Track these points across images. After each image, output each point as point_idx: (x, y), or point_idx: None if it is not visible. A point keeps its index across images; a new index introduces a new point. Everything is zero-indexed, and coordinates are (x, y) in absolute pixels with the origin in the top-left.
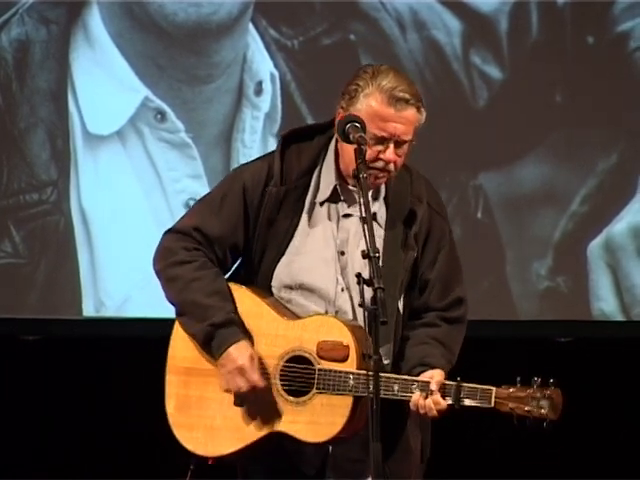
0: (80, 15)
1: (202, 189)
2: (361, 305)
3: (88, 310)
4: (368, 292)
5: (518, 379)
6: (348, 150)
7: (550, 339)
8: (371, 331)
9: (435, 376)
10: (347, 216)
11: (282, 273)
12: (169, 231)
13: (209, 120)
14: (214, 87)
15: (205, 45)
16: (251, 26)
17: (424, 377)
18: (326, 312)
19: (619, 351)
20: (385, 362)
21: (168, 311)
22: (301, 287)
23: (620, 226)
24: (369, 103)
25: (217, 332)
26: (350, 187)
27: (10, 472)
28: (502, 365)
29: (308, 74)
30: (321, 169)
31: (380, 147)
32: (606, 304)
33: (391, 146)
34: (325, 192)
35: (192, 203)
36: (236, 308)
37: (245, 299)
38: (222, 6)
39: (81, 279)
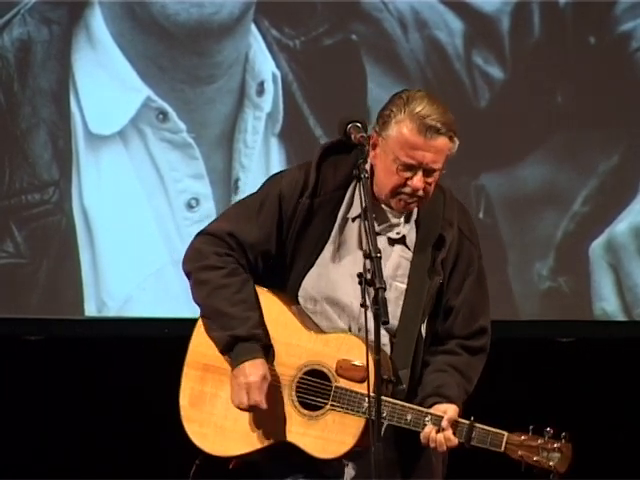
0: (82, 15)
1: (204, 189)
2: (362, 305)
3: (90, 310)
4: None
5: (531, 427)
6: (383, 171)
7: (552, 339)
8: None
9: (449, 412)
10: (379, 234)
11: (309, 285)
12: (202, 233)
13: (211, 120)
14: (216, 87)
15: (207, 45)
16: (253, 26)
17: (438, 410)
18: (349, 328)
19: (621, 351)
20: (402, 387)
21: (169, 311)
22: (327, 300)
23: (622, 226)
24: (400, 130)
25: (237, 344)
26: (383, 206)
27: (11, 472)
28: (504, 365)
29: (310, 74)
30: (356, 184)
31: (408, 174)
32: (608, 304)
33: (419, 174)
34: (358, 208)
35: (194, 203)
36: (261, 315)
37: (271, 305)
38: (224, 6)
39: (83, 279)
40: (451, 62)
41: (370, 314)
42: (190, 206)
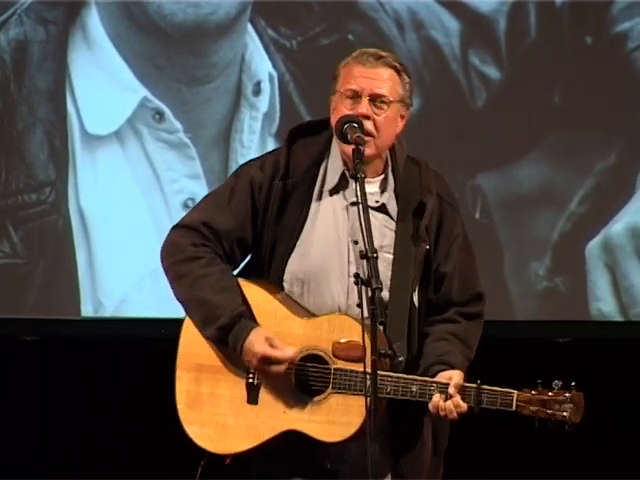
0: (78, 15)
1: (200, 189)
2: (359, 306)
3: (86, 310)
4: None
5: (539, 382)
6: (336, 118)
7: (548, 339)
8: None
9: (454, 378)
10: (354, 204)
11: (294, 267)
12: (176, 226)
13: (207, 120)
14: (212, 87)
15: (203, 45)
16: (249, 26)
17: (443, 378)
18: (339, 308)
19: (618, 351)
20: (400, 359)
21: (166, 311)
22: (314, 278)
23: (618, 226)
24: (345, 69)
25: (228, 334)
26: None
27: (8, 472)
28: (500, 365)
29: (306, 74)
30: (328, 161)
31: (353, 101)
32: (604, 304)
33: (364, 100)
34: (333, 181)
35: (190, 203)
36: (247, 304)
37: (255, 295)
38: (220, 6)
39: (79, 279)
40: (448, 62)
41: (366, 312)
42: (187, 206)
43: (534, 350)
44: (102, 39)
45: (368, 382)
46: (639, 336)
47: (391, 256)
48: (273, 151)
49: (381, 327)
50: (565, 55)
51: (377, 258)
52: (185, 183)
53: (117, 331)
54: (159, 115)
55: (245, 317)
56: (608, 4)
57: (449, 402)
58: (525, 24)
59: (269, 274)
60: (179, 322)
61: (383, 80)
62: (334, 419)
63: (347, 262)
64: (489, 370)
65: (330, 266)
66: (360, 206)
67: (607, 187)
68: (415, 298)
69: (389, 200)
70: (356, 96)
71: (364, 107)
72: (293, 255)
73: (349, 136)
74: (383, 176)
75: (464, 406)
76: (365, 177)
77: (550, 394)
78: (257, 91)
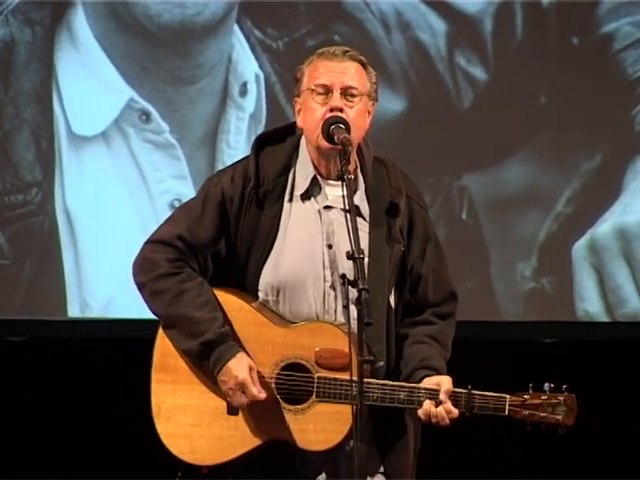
0: (65, 16)
1: (187, 190)
2: (345, 307)
3: (73, 311)
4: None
5: (530, 385)
6: (308, 114)
7: (535, 340)
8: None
9: (444, 384)
10: (328, 208)
11: (269, 275)
12: (149, 241)
13: (194, 121)
14: (199, 88)
15: (190, 46)
16: (236, 27)
17: (430, 384)
18: (317, 310)
19: (604, 352)
20: (380, 364)
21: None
22: (289, 286)
23: (604, 227)
24: (310, 68)
25: (212, 350)
26: (330, 181)
27: None
28: (487, 366)
29: (293, 75)
30: (296, 168)
31: (324, 97)
32: (591, 305)
33: (336, 94)
34: (303, 186)
35: (177, 204)
36: (225, 315)
37: (231, 305)
38: (207, 7)
39: (66, 280)
40: (434, 63)
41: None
42: (173, 207)
43: (520, 351)
44: (88, 40)
45: (354, 390)
46: (625, 337)
47: (367, 259)
48: (240, 161)
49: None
50: (551, 56)
51: (363, 259)
52: (171, 184)
53: (103, 332)
54: (145, 116)
55: (230, 337)
56: (594, 5)
57: (440, 408)
58: (511, 25)
59: (244, 284)
60: None
61: (352, 73)
62: (320, 427)
63: (322, 267)
64: (476, 371)
65: (305, 273)
66: (346, 207)
67: (593, 188)
68: (391, 300)
69: (361, 202)
70: (327, 91)
71: (337, 100)
72: (267, 264)
73: (336, 137)
74: (353, 177)
75: (456, 412)
76: (334, 180)
77: (543, 397)
78: (243, 92)
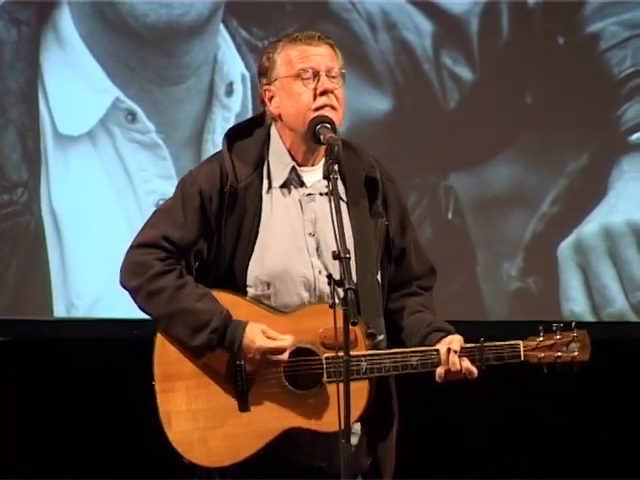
0: (50, 16)
1: (172, 190)
2: (331, 306)
3: (59, 311)
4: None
5: (540, 328)
6: (293, 102)
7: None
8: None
9: (454, 341)
10: (309, 196)
11: (256, 270)
12: (134, 246)
13: (180, 121)
14: (185, 88)
15: (176, 46)
16: (222, 27)
17: (443, 343)
18: (308, 299)
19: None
20: (380, 337)
21: (138, 312)
22: (278, 278)
23: (590, 227)
24: (285, 54)
25: (223, 335)
26: (305, 168)
27: None
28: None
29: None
30: (269, 159)
31: (313, 84)
32: (576, 305)
33: (324, 77)
34: (281, 177)
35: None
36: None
37: (227, 300)
38: (193, 7)
39: (52, 280)
40: (420, 63)
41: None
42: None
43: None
44: (74, 39)
45: (365, 364)
46: (611, 336)
47: (350, 239)
48: (211, 158)
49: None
50: (537, 56)
51: (349, 259)
52: (157, 183)
53: (89, 332)
54: (131, 115)
55: (234, 319)
56: (580, 5)
57: (454, 357)
58: (497, 25)
59: (232, 281)
60: (151, 323)
61: (329, 55)
62: (334, 407)
63: (308, 255)
64: None
65: (292, 263)
66: (331, 206)
67: (579, 188)
68: (378, 277)
69: (338, 183)
70: (314, 75)
71: (327, 83)
72: (253, 258)
73: (322, 137)
74: (337, 177)
75: (474, 370)
76: (313, 165)
77: (556, 337)
78: (229, 92)
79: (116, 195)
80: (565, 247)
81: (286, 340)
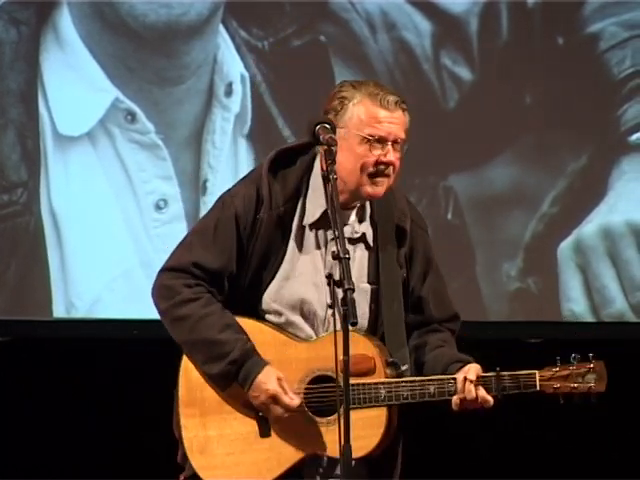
0: (50, 16)
1: (172, 190)
2: (331, 306)
3: (58, 311)
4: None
5: (558, 358)
6: (352, 158)
7: (520, 340)
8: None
9: (471, 369)
10: (334, 239)
11: (271, 298)
12: (165, 269)
13: (179, 121)
14: (184, 88)
15: (175, 46)
16: (221, 27)
17: (461, 372)
18: (317, 335)
19: (589, 352)
20: (404, 367)
21: (138, 312)
22: (291, 311)
23: (590, 227)
24: (360, 109)
25: (240, 368)
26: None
27: None
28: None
29: (278, 75)
30: (307, 192)
31: (379, 150)
32: (576, 305)
33: (390, 147)
34: (313, 215)
35: (162, 204)
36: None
37: (252, 328)
38: (192, 7)
39: (51, 280)
40: (419, 63)
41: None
42: (158, 207)
43: (506, 351)
44: (74, 40)
45: (384, 392)
46: (610, 337)
47: (367, 286)
48: (250, 178)
49: (351, 327)
50: (537, 56)
51: (349, 259)
52: (157, 184)
53: (89, 332)
54: (131, 116)
55: (256, 353)
56: (580, 5)
57: (481, 390)
58: (497, 25)
59: (245, 304)
60: (151, 323)
61: (402, 124)
62: (355, 434)
63: (324, 295)
64: None
65: (307, 299)
66: (329, 207)
67: (579, 188)
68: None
69: (367, 228)
70: (380, 141)
71: (392, 156)
72: (270, 288)
73: (321, 137)
74: (359, 204)
75: (490, 400)
76: (345, 209)
77: (572, 368)
78: (229, 92)
79: (116, 195)
80: (565, 247)
81: (295, 400)
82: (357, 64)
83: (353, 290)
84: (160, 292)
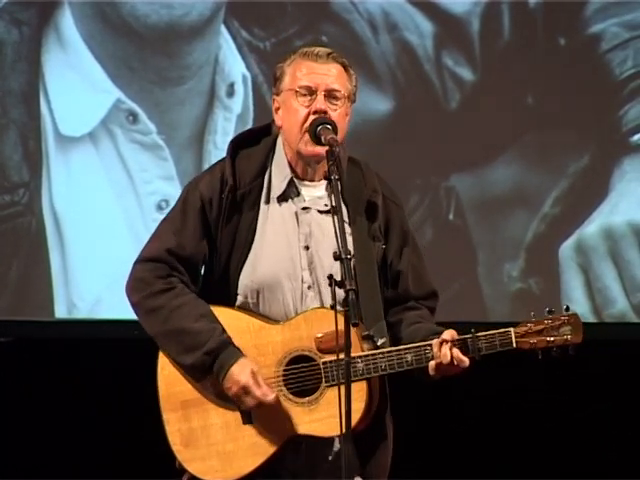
0: (52, 16)
1: (174, 191)
2: (332, 307)
3: (60, 312)
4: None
5: (532, 314)
6: (289, 115)
7: None
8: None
9: (446, 332)
10: (306, 209)
11: (247, 278)
12: (138, 260)
13: (181, 122)
14: (186, 89)
15: (177, 47)
16: (223, 28)
17: (436, 340)
18: (296, 311)
19: (590, 353)
20: (382, 340)
21: None
22: (268, 288)
23: (591, 228)
24: (292, 68)
25: (215, 358)
26: (306, 182)
27: None
28: (474, 367)
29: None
30: (271, 169)
31: (309, 101)
32: (578, 305)
33: (320, 96)
34: (279, 188)
35: (164, 205)
36: (222, 327)
37: (226, 315)
38: (194, 8)
39: (53, 281)
40: (421, 64)
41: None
42: (160, 207)
43: (506, 351)
44: (75, 40)
45: (361, 365)
46: (612, 337)
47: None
48: (215, 165)
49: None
50: (538, 56)
51: (350, 260)
52: (159, 184)
53: (91, 332)
54: (133, 116)
55: (232, 343)
56: (582, 5)
57: (455, 350)
58: (498, 25)
59: (224, 287)
60: None
61: (335, 76)
62: (336, 412)
63: (300, 269)
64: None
65: (282, 274)
66: (331, 207)
67: (581, 188)
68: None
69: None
70: (311, 93)
71: (321, 103)
72: (245, 266)
73: (323, 138)
74: (338, 177)
75: (466, 360)
76: (311, 181)
77: (547, 322)
78: (231, 92)
79: (117, 196)
80: (566, 248)
81: (268, 395)
82: (358, 65)
83: (355, 291)
84: (132, 285)
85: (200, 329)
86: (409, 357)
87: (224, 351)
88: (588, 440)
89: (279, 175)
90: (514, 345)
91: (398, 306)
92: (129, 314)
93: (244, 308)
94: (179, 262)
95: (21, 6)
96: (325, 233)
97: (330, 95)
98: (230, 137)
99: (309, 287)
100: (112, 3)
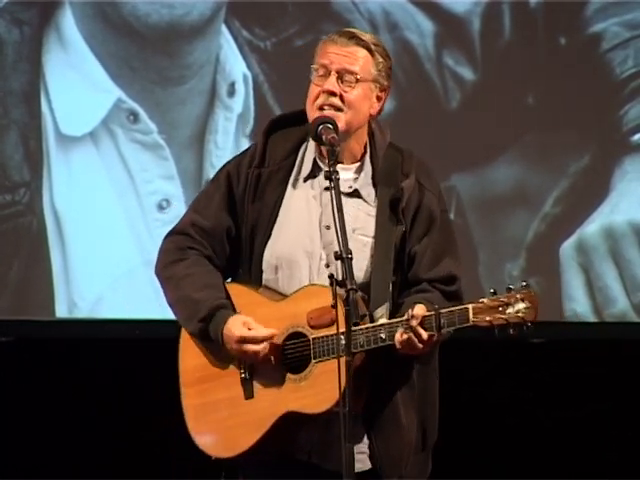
0: (53, 16)
1: (175, 190)
2: (334, 306)
3: (61, 311)
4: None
5: (491, 290)
6: (307, 96)
7: (522, 340)
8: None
9: (415, 310)
10: (327, 189)
11: (269, 253)
12: (168, 235)
13: (182, 121)
14: (187, 88)
15: (178, 46)
16: (224, 27)
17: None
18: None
19: (591, 352)
20: (381, 320)
21: (140, 312)
22: (286, 263)
23: (592, 227)
24: (320, 46)
25: (209, 325)
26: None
27: None
28: (475, 367)
29: (281, 75)
30: (305, 150)
31: (323, 78)
32: (578, 305)
33: (332, 77)
34: (307, 168)
35: (165, 204)
36: (231, 301)
37: (239, 294)
38: (195, 7)
39: (54, 280)
40: (422, 63)
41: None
42: (161, 207)
43: (508, 351)
44: (76, 40)
45: (342, 341)
46: (613, 337)
47: (367, 239)
48: (254, 144)
49: (355, 327)
50: (539, 56)
51: (351, 259)
52: (159, 184)
53: (92, 332)
54: (133, 116)
55: (225, 308)
56: (582, 5)
57: (406, 335)
58: (499, 25)
59: (250, 264)
60: (153, 323)
61: (355, 58)
62: (320, 389)
63: (319, 247)
64: (464, 371)
65: (300, 251)
66: (334, 207)
67: (581, 188)
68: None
69: (363, 186)
70: (326, 72)
71: (330, 84)
72: (269, 243)
73: (324, 137)
74: (359, 163)
75: (424, 334)
76: (340, 163)
77: (502, 299)
78: (231, 92)
79: (118, 195)
80: (567, 247)
81: (261, 331)
82: None
83: (356, 290)
84: (158, 257)
85: (199, 298)
86: (383, 334)
87: (215, 315)
88: (588, 440)
89: (309, 156)
90: (470, 322)
91: (409, 289)
92: (130, 314)
93: (265, 286)
94: (203, 235)
95: (22, 6)
96: (346, 215)
97: (344, 76)
98: (231, 137)
99: (326, 264)
100: (113, 3)
